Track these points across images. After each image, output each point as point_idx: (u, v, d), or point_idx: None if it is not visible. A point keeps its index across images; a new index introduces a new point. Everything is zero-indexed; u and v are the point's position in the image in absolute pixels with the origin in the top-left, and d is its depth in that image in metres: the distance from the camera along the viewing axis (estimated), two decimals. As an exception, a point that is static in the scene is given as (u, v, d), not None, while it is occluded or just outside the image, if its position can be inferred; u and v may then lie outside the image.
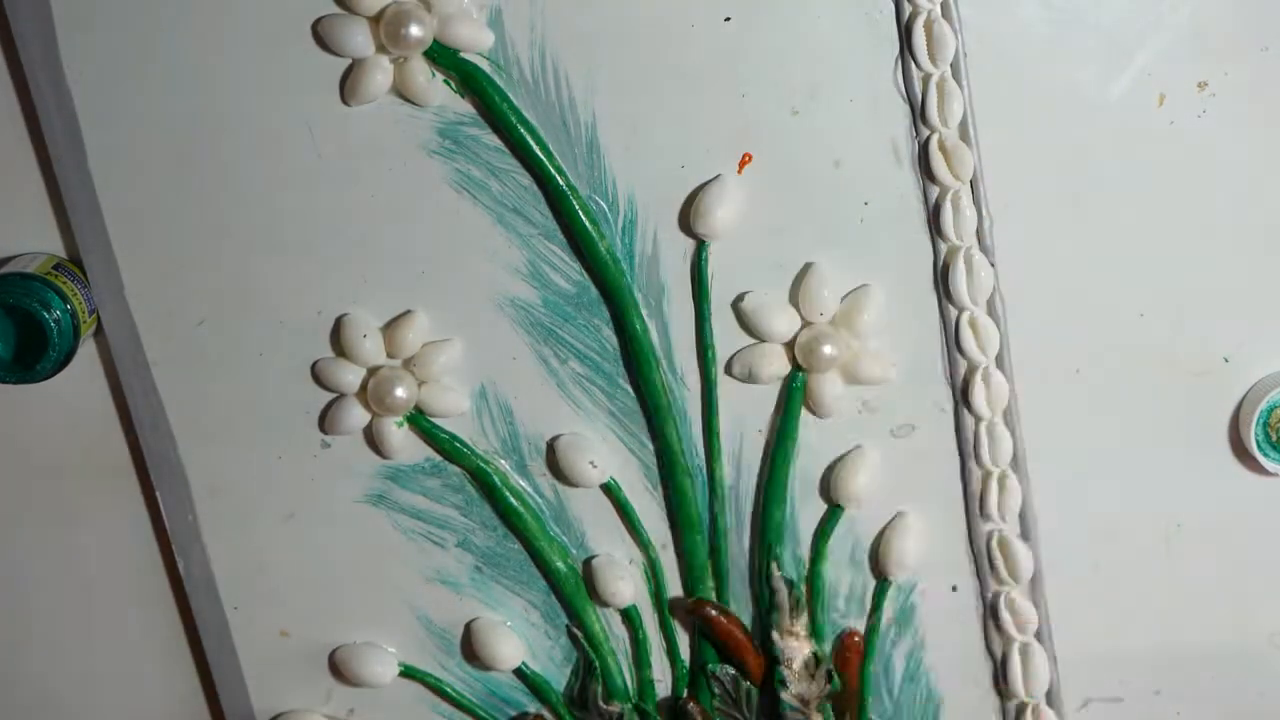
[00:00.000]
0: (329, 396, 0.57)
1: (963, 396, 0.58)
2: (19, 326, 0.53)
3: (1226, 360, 0.59)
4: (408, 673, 0.60)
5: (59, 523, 0.60)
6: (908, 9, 0.54)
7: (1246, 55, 0.55)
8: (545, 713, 0.61)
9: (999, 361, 0.57)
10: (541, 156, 0.54)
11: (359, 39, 0.52)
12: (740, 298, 0.57)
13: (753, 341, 0.57)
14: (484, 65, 0.53)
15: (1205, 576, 0.61)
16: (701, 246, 0.56)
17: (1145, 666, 0.61)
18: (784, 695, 0.60)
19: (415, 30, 0.52)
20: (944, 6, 0.53)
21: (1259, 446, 0.58)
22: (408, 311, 0.56)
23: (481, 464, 0.58)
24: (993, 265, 0.56)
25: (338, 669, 0.60)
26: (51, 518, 0.60)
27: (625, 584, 0.59)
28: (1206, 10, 0.55)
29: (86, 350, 0.56)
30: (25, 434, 0.58)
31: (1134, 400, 0.59)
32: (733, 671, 0.60)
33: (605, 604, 0.60)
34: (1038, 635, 0.58)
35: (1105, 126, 0.55)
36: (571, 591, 0.60)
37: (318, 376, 0.57)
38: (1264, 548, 0.61)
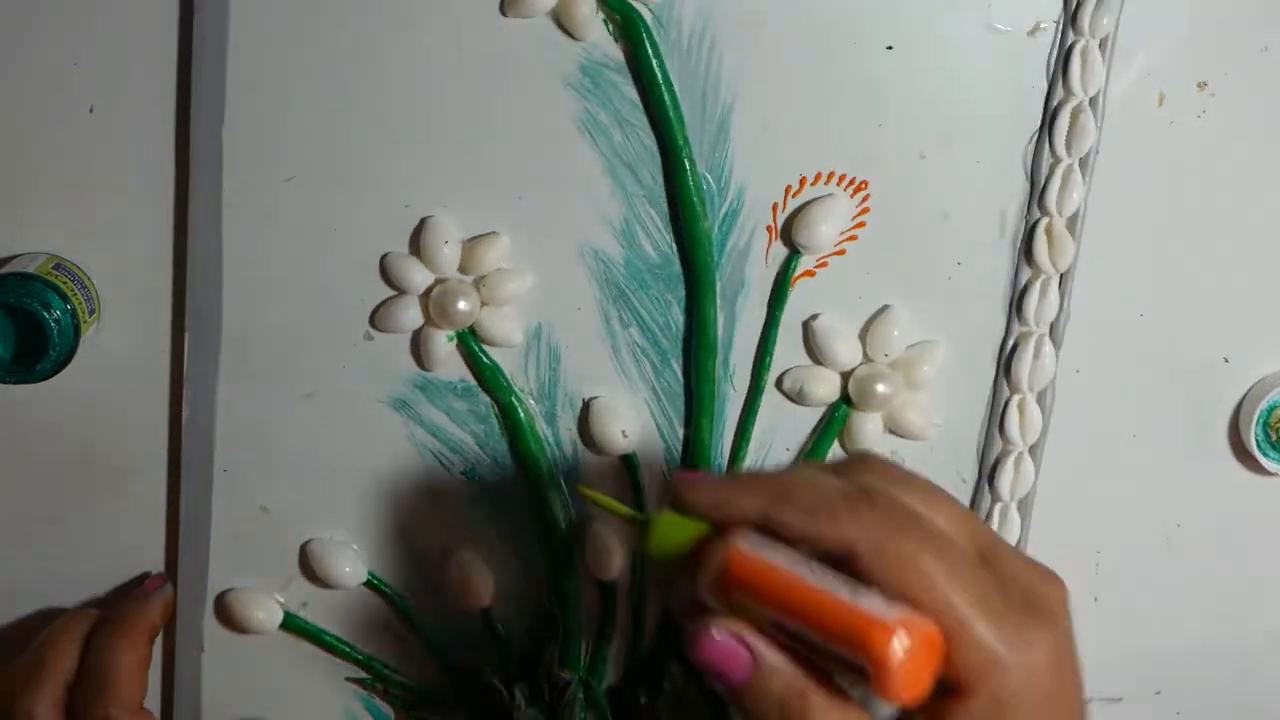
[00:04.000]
0: (386, 291, 0.56)
1: (989, 475, 0.59)
2: (19, 326, 0.53)
3: (1226, 360, 0.60)
4: (372, 583, 0.59)
5: (59, 522, 0.59)
6: (1060, 93, 0.55)
7: (1246, 55, 0.56)
8: (494, 661, 0.61)
9: (1033, 450, 0.59)
10: (673, 120, 0.54)
11: (539, -47, 0.52)
12: (813, 317, 0.57)
13: (810, 362, 0.58)
14: (648, 17, 0.53)
15: (1205, 576, 0.62)
16: (793, 257, 0.56)
17: (1145, 666, 0.62)
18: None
19: (597, -40, 0.52)
20: (1093, 100, 0.55)
21: (1259, 446, 0.59)
22: (493, 232, 0.56)
23: (514, 399, 0.57)
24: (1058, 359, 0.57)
25: (305, 559, 0.59)
26: (51, 517, 0.59)
27: (615, 558, 0.59)
28: (1206, 10, 0.56)
29: (86, 350, 0.54)
30: (25, 434, 0.57)
31: (1134, 400, 0.60)
32: (686, 674, 0.60)
33: (589, 571, 0.59)
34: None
35: (1105, 127, 0.56)
36: (560, 549, 0.59)
37: (385, 269, 0.56)
38: (1264, 548, 0.62)
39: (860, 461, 0.44)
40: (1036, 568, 0.43)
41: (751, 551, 0.40)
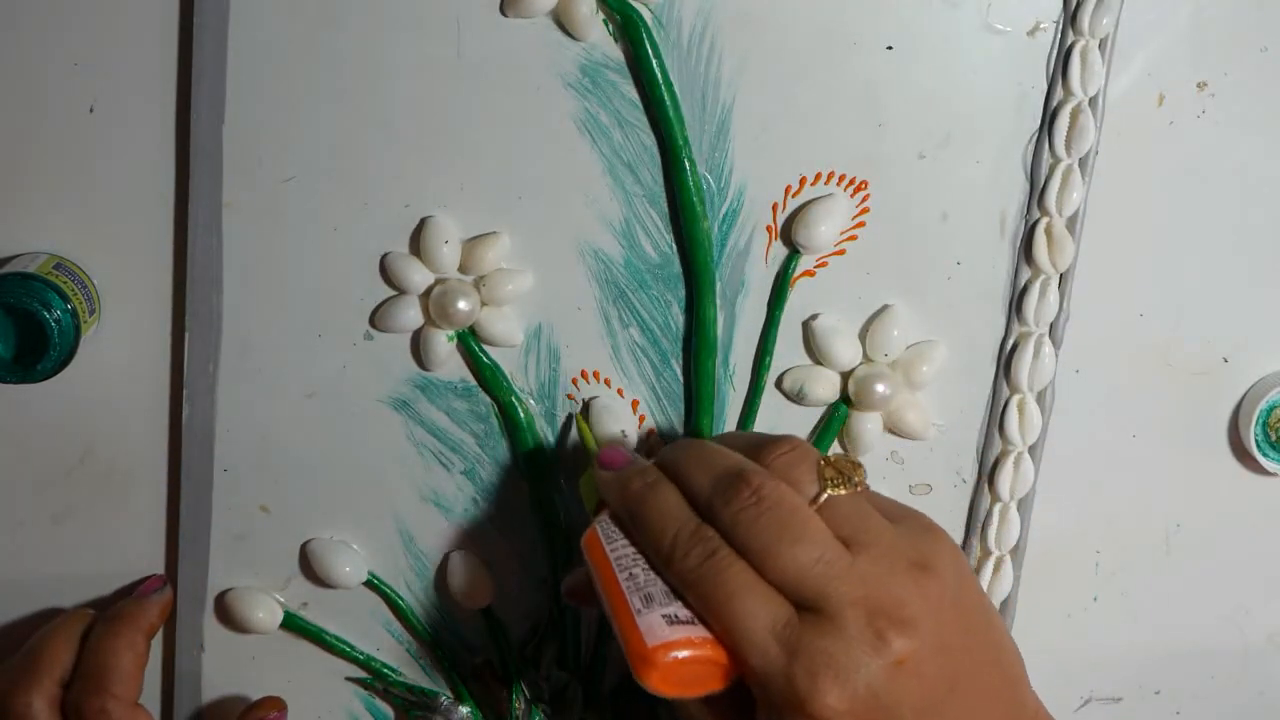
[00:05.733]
0: (387, 291, 0.56)
1: (989, 475, 0.59)
2: (19, 326, 0.53)
3: (1226, 360, 0.60)
4: (373, 583, 0.59)
5: (59, 523, 0.59)
6: (1060, 93, 0.55)
7: (1246, 55, 0.56)
8: (494, 661, 0.61)
9: (1033, 450, 0.59)
10: (673, 120, 0.54)
11: (538, -48, 0.52)
12: (813, 317, 0.57)
13: (810, 363, 0.58)
14: (648, 17, 0.53)
15: (1205, 576, 0.62)
16: (793, 257, 0.56)
17: (1145, 666, 0.62)
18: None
19: (596, -39, 0.52)
20: (1093, 100, 0.55)
21: (1259, 446, 0.59)
22: (493, 232, 0.56)
23: (514, 399, 0.57)
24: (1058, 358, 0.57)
25: (306, 559, 0.59)
26: (51, 518, 0.59)
27: (614, 558, 0.59)
28: (1206, 10, 0.56)
29: (86, 350, 0.55)
30: (25, 434, 0.57)
31: (1134, 400, 0.60)
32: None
33: (589, 572, 0.59)
34: None
35: (1105, 127, 0.56)
36: (560, 549, 0.59)
37: (385, 269, 0.56)
38: (1264, 548, 0.62)
39: (767, 454, 0.48)
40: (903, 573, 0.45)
41: (602, 538, 0.49)
